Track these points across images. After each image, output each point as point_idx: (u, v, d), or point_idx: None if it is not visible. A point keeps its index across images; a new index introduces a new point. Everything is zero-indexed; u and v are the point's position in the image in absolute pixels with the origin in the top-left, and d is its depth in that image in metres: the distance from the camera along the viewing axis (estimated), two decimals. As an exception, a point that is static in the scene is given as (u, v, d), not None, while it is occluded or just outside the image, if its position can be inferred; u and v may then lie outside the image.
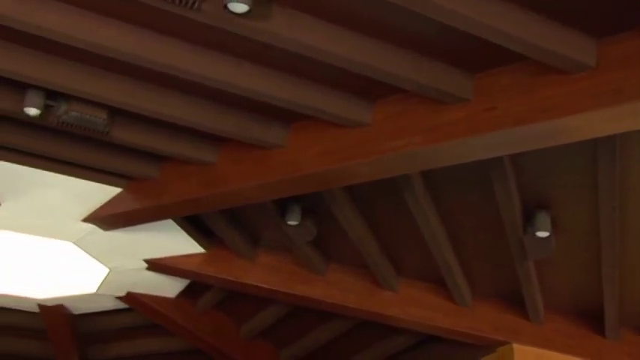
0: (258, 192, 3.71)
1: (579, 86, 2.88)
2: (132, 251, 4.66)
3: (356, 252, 4.48)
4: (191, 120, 3.48)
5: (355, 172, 3.44)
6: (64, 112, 3.39)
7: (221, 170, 3.79)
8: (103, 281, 5.00)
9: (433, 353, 5.26)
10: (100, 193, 4.11)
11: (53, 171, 3.92)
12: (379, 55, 2.97)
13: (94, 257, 4.70)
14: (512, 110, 3.00)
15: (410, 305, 4.79)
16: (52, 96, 3.38)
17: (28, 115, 3.39)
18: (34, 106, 3.34)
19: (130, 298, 5.30)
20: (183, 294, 5.42)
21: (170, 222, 4.35)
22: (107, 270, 4.86)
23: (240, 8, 2.66)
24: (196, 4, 2.67)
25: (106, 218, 4.22)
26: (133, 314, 5.67)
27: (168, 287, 5.26)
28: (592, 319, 4.80)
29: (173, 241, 4.59)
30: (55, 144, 3.75)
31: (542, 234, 3.82)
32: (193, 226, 4.54)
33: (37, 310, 5.52)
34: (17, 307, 5.60)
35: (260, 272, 4.80)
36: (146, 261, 4.80)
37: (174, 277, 5.06)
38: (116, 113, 3.53)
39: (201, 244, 4.69)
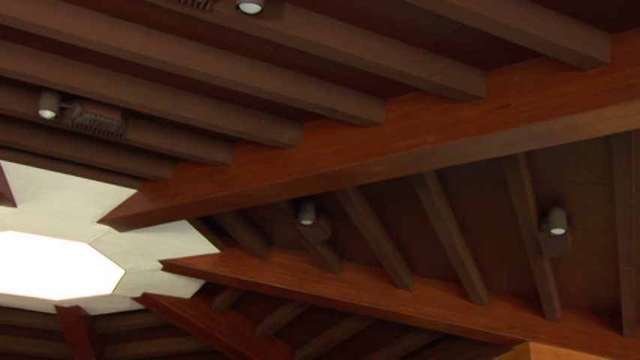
0: (272, 192, 3.72)
1: (594, 83, 2.86)
2: (147, 252, 4.68)
3: (370, 251, 4.47)
4: (205, 121, 3.48)
5: (369, 172, 3.43)
6: (78, 114, 3.41)
7: (235, 171, 3.80)
8: (119, 282, 5.03)
9: (449, 352, 5.23)
10: (115, 194, 4.13)
11: (68, 173, 3.94)
12: (392, 55, 2.96)
13: (109, 258, 4.72)
14: (526, 107, 2.98)
15: (425, 304, 4.77)
16: (66, 98, 3.40)
17: (43, 118, 3.41)
18: (48, 109, 3.36)
19: (145, 298, 5.32)
20: (199, 294, 5.43)
21: (185, 223, 4.37)
22: (123, 271, 4.89)
23: (252, 9, 2.66)
24: (208, 5, 2.67)
25: (121, 219, 4.24)
26: (149, 315, 5.69)
27: (184, 288, 5.28)
28: (609, 316, 4.76)
29: (188, 241, 4.61)
30: (70, 146, 3.77)
31: (558, 231, 3.79)
32: (208, 226, 4.56)
33: (53, 311, 5.55)
34: (34, 309, 5.63)
35: (275, 272, 4.80)
36: (161, 262, 4.82)
37: (189, 278, 5.08)
38: (130, 115, 3.55)
39: (215, 245, 4.70)
